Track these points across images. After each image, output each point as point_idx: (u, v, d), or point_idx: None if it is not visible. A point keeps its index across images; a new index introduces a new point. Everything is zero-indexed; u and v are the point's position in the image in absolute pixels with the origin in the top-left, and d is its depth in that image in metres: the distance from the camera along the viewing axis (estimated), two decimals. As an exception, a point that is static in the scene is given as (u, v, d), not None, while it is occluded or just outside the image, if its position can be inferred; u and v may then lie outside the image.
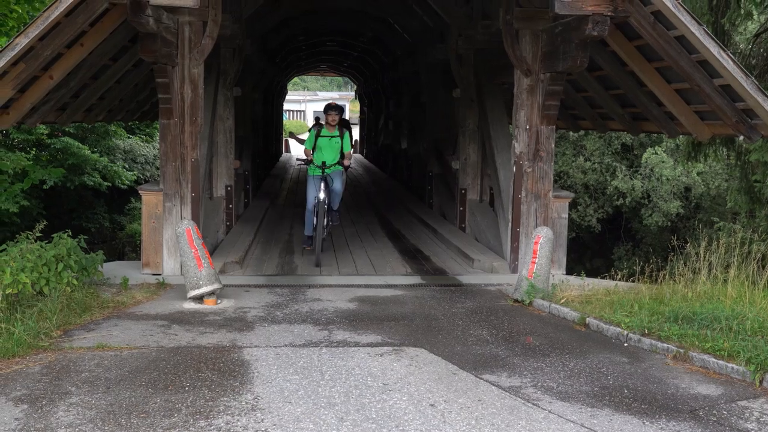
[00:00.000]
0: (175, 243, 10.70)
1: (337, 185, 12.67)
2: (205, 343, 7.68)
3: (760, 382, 6.68)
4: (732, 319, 7.71)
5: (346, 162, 12.81)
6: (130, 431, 5.42)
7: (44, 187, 20.06)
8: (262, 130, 25.21)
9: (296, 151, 48.09)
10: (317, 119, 17.86)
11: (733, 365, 6.94)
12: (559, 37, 10.72)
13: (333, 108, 12.71)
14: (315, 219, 12.30)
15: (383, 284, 10.88)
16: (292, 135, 14.15)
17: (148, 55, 10.34)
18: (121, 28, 10.48)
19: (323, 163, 12.35)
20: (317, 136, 12.57)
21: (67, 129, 21.62)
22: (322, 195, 12.21)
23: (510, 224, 11.77)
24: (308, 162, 12.53)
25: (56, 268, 9.06)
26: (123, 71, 13.39)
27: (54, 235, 9.66)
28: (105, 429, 5.45)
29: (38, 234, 9.56)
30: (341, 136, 12.70)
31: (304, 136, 14.70)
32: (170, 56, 10.74)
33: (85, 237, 10.29)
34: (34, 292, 8.74)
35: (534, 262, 9.79)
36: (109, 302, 9.22)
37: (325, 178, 12.36)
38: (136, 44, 10.68)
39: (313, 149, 12.59)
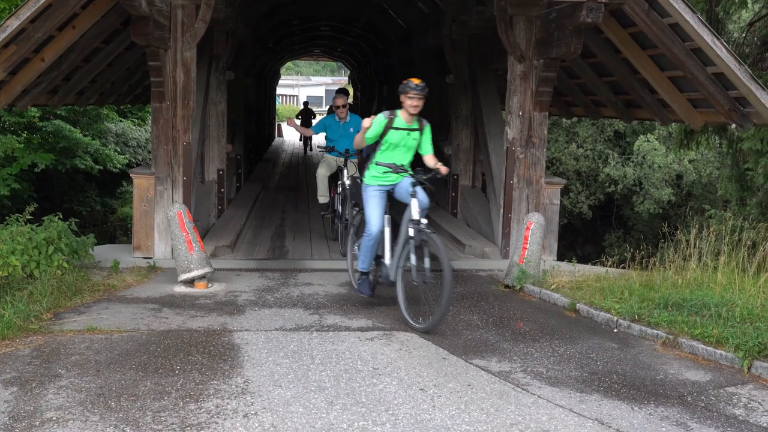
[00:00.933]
0: (167, 226, 10.68)
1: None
2: (196, 327, 7.67)
3: (749, 368, 6.70)
4: (721, 306, 7.73)
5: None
6: (119, 414, 5.42)
7: (35, 170, 20.01)
8: (255, 115, 25.15)
9: (288, 135, 48.00)
10: (306, 103, 17.73)
11: (722, 352, 6.97)
12: (553, 23, 10.70)
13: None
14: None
15: (374, 269, 10.87)
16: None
17: (141, 38, 10.29)
18: (113, 10, 10.43)
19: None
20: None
21: (58, 112, 21.57)
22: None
23: (502, 210, 11.77)
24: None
25: (47, 251, 9.05)
26: (115, 54, 13.34)
27: (44, 218, 9.64)
28: (95, 412, 5.45)
29: (28, 217, 9.53)
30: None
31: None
32: (163, 39, 10.69)
33: (76, 220, 10.27)
34: (25, 275, 8.72)
35: (525, 248, 9.80)
36: (99, 285, 9.21)
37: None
38: (129, 27, 10.62)
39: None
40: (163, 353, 6.81)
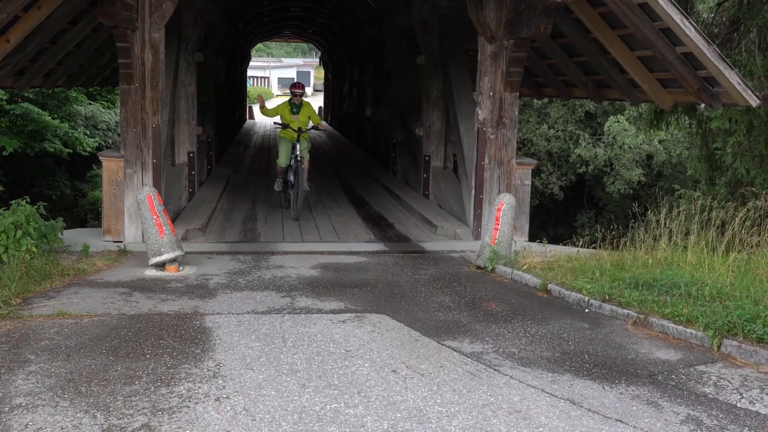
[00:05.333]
0: (137, 210, 10.59)
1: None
2: (167, 311, 7.63)
3: (718, 347, 6.76)
4: (691, 285, 7.79)
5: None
6: (90, 399, 5.38)
7: (3, 153, 19.78)
8: (226, 97, 24.99)
9: (260, 117, 47.78)
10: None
11: (692, 330, 7.02)
12: (523, 3, 10.69)
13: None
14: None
15: (346, 251, 10.88)
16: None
17: (108, 18, 10.17)
18: (80, -10, 10.31)
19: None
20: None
21: (26, 95, 21.32)
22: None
23: (473, 191, 11.79)
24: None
25: (15, 235, 8.95)
26: (82, 35, 13.19)
27: (12, 201, 9.52)
28: (65, 397, 5.41)
29: (-5, 200, 9.42)
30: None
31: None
32: (130, 20, 10.57)
33: (45, 204, 10.15)
34: (-7, 260, 8.63)
35: (497, 229, 9.82)
36: (69, 270, 9.12)
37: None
38: (96, 8, 10.49)
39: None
40: (134, 337, 6.76)
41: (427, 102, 15.50)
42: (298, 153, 13.53)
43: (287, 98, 14.20)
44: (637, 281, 8.17)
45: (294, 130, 13.59)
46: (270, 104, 16.61)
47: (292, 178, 13.60)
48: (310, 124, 14.06)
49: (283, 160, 13.92)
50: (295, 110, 13.79)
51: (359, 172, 20.73)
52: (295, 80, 18.93)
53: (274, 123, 14.49)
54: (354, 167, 22.02)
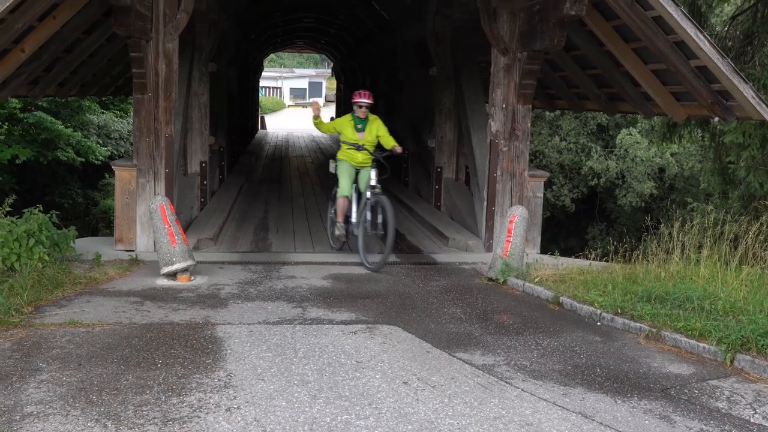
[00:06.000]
0: (149, 219, 10.61)
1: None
2: (178, 320, 7.63)
3: (731, 361, 6.73)
4: (704, 299, 7.75)
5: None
6: (101, 408, 5.38)
7: (17, 162, 19.86)
8: (238, 107, 25.06)
9: (271, 127, 47.87)
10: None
11: (705, 345, 6.98)
12: (536, 15, 10.69)
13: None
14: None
15: (358, 262, 10.85)
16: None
17: (122, 28, 10.21)
18: (95, 1, 10.34)
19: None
20: None
21: (40, 103, 21.40)
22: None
23: (485, 203, 11.77)
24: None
25: (27, 244, 8.98)
26: (96, 45, 13.25)
27: (25, 210, 9.55)
28: (76, 406, 5.41)
29: (8, 209, 9.45)
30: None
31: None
32: (144, 30, 10.62)
33: (57, 213, 10.18)
34: (5, 268, 8.66)
35: (508, 241, 9.80)
36: (81, 278, 9.14)
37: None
38: (110, 18, 10.54)
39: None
40: (145, 347, 6.76)
41: (440, 113, 15.50)
42: (373, 181, 10.67)
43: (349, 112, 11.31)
44: (649, 295, 8.13)
45: (357, 149, 10.94)
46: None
47: (354, 214, 11.06)
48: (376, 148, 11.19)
49: (344, 189, 11.00)
50: (359, 125, 11.00)
51: (371, 182, 20.70)
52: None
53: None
54: (365, 178, 22.00)
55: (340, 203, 11.05)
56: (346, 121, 11.05)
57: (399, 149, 10.95)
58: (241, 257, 11.02)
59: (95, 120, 25.40)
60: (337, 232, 11.24)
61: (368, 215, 10.62)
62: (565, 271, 9.77)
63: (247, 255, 11.22)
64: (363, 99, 10.88)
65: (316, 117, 11.04)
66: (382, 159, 11.00)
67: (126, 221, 11.04)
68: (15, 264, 8.76)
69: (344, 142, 10.99)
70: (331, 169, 11.36)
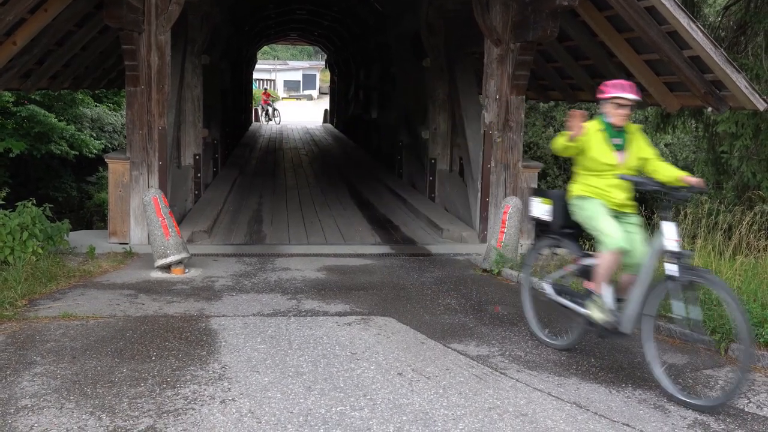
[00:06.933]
0: (143, 212, 10.59)
1: None
2: (173, 313, 7.62)
3: (725, 351, 6.74)
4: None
5: None
6: (95, 401, 5.37)
7: (10, 155, 19.81)
8: (232, 99, 25.02)
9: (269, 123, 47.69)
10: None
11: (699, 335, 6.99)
12: (529, 6, 10.68)
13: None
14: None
15: (352, 253, 10.86)
16: None
17: (114, 21, 10.18)
18: (86, -7, 10.33)
19: None
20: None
21: (33, 97, 21.32)
22: None
23: (479, 194, 11.77)
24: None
25: (21, 237, 8.96)
26: (88, 38, 13.20)
27: (18, 203, 9.53)
28: (70, 399, 5.40)
29: (1, 202, 9.43)
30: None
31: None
32: (136, 23, 10.58)
33: (51, 206, 10.16)
34: (-2, 261, 8.64)
35: (503, 232, 9.81)
36: (75, 271, 9.13)
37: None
38: (102, 10, 10.51)
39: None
40: (140, 339, 6.76)
41: (433, 105, 15.49)
42: (674, 242, 5.99)
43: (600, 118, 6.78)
44: (643, 285, 8.13)
45: (616, 182, 6.45)
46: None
47: (639, 295, 6.07)
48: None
49: (617, 237, 6.22)
50: (617, 140, 6.53)
51: (365, 174, 20.73)
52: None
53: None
54: (360, 170, 22.03)
55: (608, 260, 6.25)
56: (598, 135, 6.56)
57: (695, 181, 6.29)
58: (236, 249, 11.02)
59: (89, 113, 25.33)
60: (597, 314, 6.33)
61: (679, 306, 5.91)
62: (559, 261, 9.76)
63: (242, 247, 11.22)
64: (627, 93, 6.44)
65: (574, 138, 6.46)
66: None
67: (120, 214, 11.02)
68: (8, 257, 8.74)
69: (589, 170, 6.61)
70: (576, 217, 6.66)
